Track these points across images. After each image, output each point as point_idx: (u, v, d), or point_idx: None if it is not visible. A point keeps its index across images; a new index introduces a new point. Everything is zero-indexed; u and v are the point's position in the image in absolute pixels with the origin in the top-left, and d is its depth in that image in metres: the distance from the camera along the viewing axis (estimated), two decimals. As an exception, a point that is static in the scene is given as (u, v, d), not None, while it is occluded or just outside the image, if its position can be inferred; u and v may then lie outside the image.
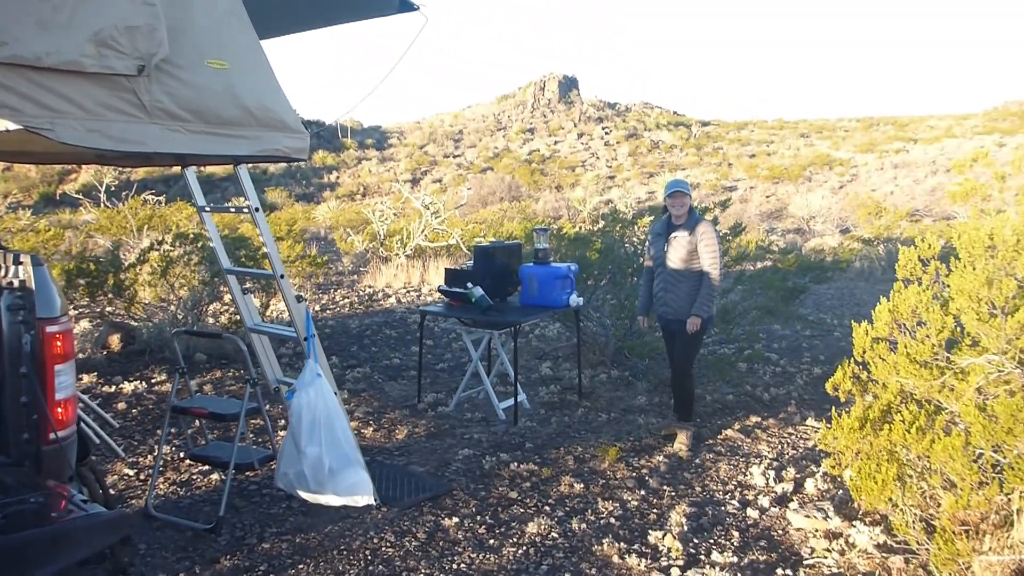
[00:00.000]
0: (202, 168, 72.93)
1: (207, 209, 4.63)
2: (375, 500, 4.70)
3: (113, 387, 7.32)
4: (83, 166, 69.62)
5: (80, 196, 23.43)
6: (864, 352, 4.94)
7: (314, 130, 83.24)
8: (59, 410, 3.07)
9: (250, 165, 4.02)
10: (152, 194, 24.59)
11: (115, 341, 8.88)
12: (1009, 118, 49.53)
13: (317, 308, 11.86)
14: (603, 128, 78.51)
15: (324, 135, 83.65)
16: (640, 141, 72.76)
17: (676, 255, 5.81)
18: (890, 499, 4.29)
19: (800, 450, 5.88)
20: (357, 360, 8.65)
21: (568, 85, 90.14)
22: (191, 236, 9.52)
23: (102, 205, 22.72)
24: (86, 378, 7.49)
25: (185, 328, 7.56)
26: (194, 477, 5.24)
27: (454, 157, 74.72)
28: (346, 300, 12.72)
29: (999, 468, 4.10)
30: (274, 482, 4.40)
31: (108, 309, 9.55)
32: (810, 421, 6.50)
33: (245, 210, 4.16)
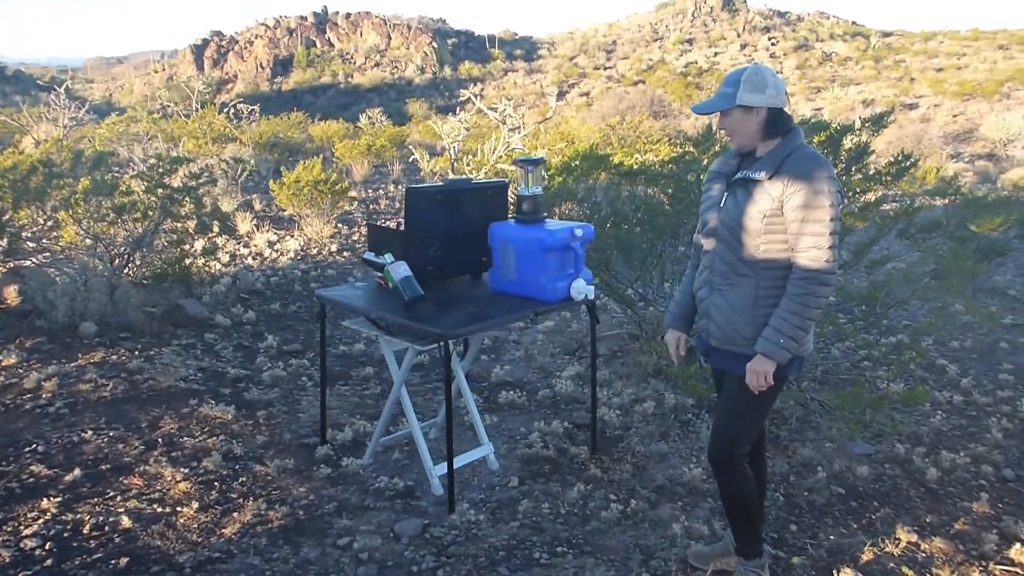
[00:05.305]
0: (349, 79, 72.58)
1: None
2: None
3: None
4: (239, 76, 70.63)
5: (168, 104, 21.83)
6: None
7: (463, 40, 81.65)
8: None
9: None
10: (242, 102, 22.76)
11: (12, 293, 6.62)
12: None
13: (334, 248, 9.28)
14: (769, 39, 72.23)
15: (472, 46, 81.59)
16: (810, 53, 66.36)
17: (738, 219, 2.70)
18: None
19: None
20: (312, 340, 6.01)
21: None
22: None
23: (194, 112, 21.10)
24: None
25: None
26: None
27: (605, 69, 70.87)
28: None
29: None
30: None
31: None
32: (1019, 550, 3.31)
33: None
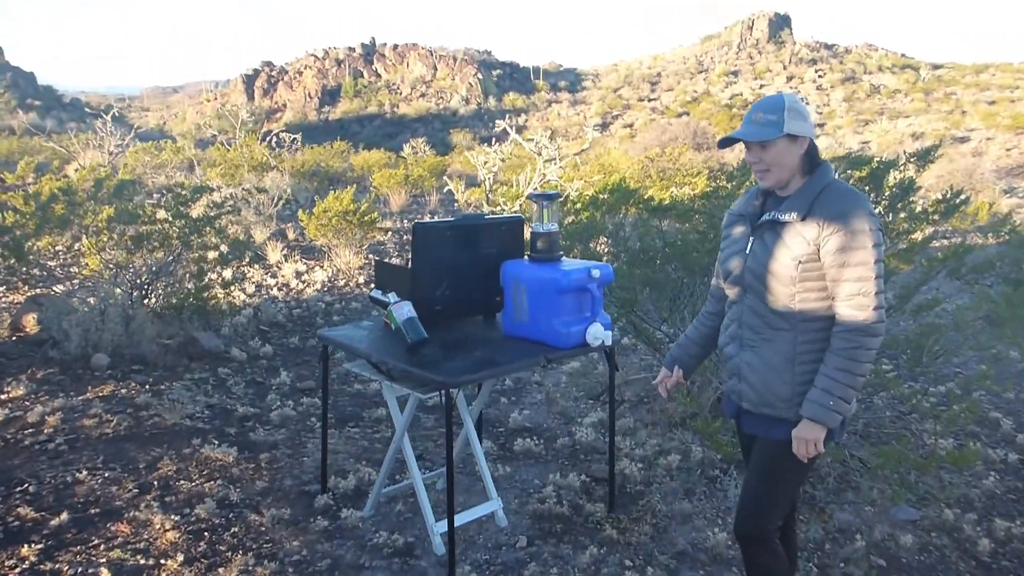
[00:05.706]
0: (395, 109, 73.85)
1: None
2: None
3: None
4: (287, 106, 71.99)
5: (217, 133, 22.10)
6: None
7: (508, 71, 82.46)
8: None
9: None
10: (284, 131, 22.92)
11: (31, 322, 6.55)
12: None
13: (361, 280, 9.12)
14: (816, 71, 71.78)
15: (517, 77, 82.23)
16: (858, 85, 65.88)
17: (768, 266, 2.42)
18: None
19: None
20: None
21: (779, 24, 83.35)
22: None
23: (237, 143, 21.29)
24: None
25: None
26: None
27: (649, 101, 70.93)
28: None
29: None
30: None
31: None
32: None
33: None
